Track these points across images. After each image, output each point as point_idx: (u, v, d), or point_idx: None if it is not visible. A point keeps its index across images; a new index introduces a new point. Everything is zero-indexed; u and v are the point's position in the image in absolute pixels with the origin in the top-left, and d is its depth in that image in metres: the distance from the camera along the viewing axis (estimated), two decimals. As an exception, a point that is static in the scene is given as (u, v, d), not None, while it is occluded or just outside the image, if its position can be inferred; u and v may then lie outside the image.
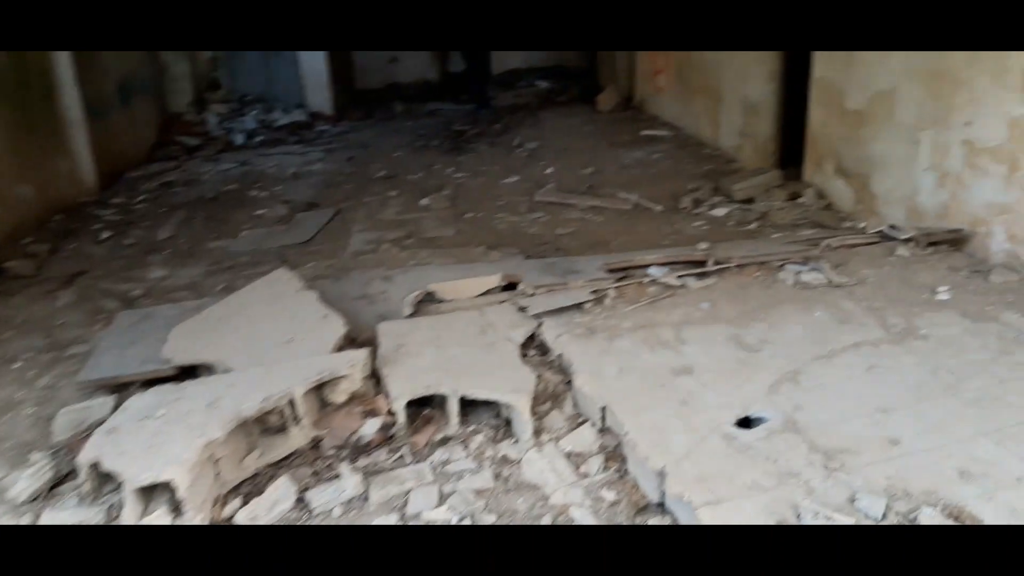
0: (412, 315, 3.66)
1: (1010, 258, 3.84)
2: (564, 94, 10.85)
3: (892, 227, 4.32)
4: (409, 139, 8.63)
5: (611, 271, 4.04)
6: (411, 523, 2.46)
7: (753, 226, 5.21)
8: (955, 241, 4.14)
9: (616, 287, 3.74)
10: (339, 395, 2.90)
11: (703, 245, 4.39)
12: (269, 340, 3.28)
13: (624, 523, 2.39)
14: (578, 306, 3.55)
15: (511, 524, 2.43)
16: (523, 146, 7.98)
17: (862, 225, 4.82)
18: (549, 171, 6.97)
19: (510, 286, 3.92)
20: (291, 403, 2.77)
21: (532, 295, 3.72)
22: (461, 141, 8.45)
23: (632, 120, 8.94)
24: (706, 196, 5.84)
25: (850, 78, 5.09)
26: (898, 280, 3.76)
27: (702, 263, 4.05)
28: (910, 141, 4.54)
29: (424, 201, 6.21)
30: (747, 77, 6.69)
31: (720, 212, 5.49)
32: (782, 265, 3.93)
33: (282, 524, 2.49)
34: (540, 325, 3.40)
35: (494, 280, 3.91)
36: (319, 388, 2.89)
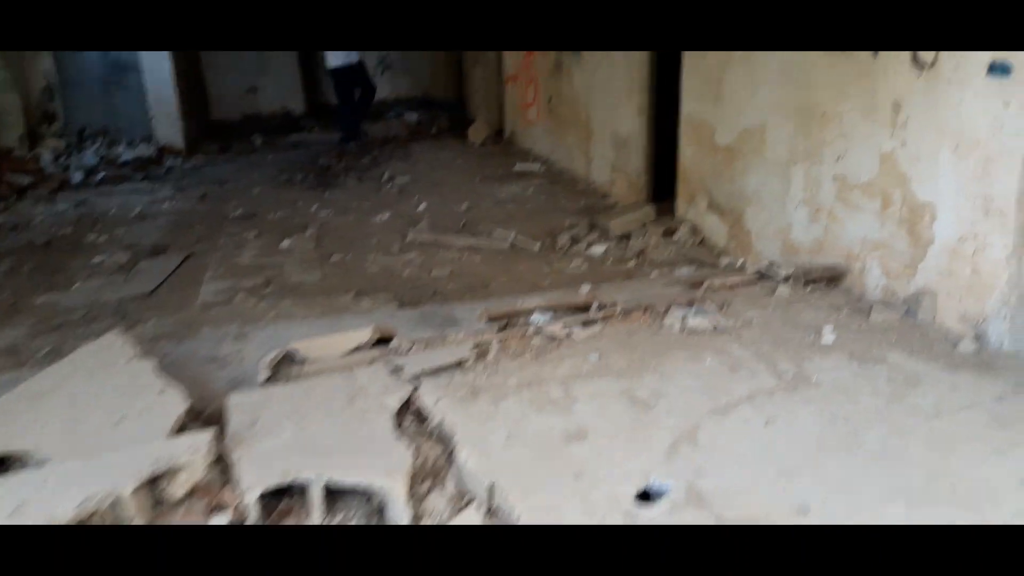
0: (269, 380, 3.23)
1: (887, 294, 3.85)
2: (434, 126, 10.61)
3: (770, 264, 4.27)
4: (270, 174, 8.11)
5: (492, 319, 3.77)
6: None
7: (631, 264, 5.10)
8: (832, 278, 4.12)
9: (498, 338, 3.46)
10: (178, 488, 2.45)
11: (585, 287, 4.20)
12: (95, 421, 2.78)
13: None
14: (459, 363, 3.24)
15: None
16: (393, 181, 7.65)
17: (740, 262, 4.78)
18: (422, 207, 6.67)
19: (382, 340, 3.57)
20: (117, 503, 2.31)
21: (408, 351, 3.39)
22: (327, 176, 8.02)
23: (504, 154, 8.79)
24: (582, 233, 5.71)
25: (719, 114, 5.08)
26: (782, 321, 3.67)
27: (586, 308, 3.85)
28: (782, 176, 4.54)
29: (286, 243, 5.76)
30: (616, 110, 6.64)
31: (598, 250, 5.36)
32: (667, 308, 3.78)
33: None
34: (417, 388, 3.05)
35: (364, 335, 3.54)
36: (153, 481, 2.43)
